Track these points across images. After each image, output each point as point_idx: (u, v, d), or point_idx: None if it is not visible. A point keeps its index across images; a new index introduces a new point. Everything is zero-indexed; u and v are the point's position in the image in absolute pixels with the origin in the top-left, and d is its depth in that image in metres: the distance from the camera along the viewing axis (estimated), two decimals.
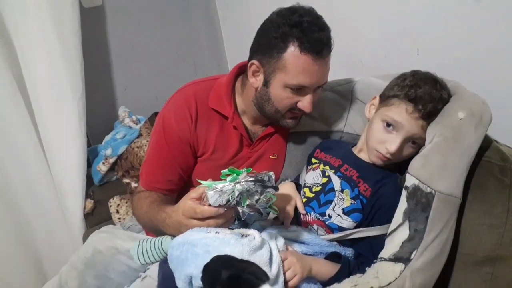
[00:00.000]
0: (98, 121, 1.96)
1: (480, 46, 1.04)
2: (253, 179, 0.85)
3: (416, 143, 0.94)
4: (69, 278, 1.30)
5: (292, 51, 0.98)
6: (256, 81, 1.08)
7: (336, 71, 1.22)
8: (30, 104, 1.67)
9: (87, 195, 1.77)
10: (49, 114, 1.66)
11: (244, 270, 0.79)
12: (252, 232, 0.89)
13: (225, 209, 0.88)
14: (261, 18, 1.09)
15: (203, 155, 1.19)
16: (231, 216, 0.92)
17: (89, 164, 1.82)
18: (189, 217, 0.92)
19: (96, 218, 1.78)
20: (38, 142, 1.70)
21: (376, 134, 0.97)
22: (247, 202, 0.87)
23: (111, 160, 1.78)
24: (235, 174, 0.87)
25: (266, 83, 1.06)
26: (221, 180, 0.88)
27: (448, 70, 1.04)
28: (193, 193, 0.92)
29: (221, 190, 0.85)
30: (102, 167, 1.78)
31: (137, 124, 1.93)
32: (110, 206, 1.75)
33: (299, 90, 1.03)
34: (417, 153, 0.92)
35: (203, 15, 2.23)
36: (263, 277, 0.79)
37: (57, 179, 1.73)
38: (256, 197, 0.87)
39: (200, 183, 0.90)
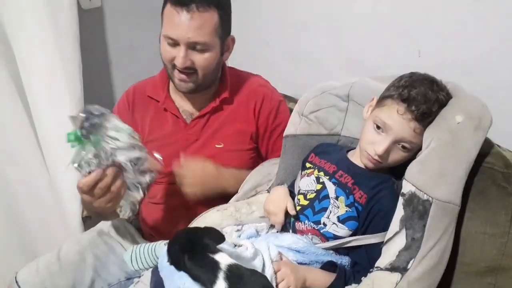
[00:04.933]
0: None
1: (482, 47, 1.01)
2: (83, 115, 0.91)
3: (406, 147, 0.91)
4: (70, 251, 1.27)
5: (166, 7, 1.10)
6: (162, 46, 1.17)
7: (335, 71, 1.20)
8: (28, 107, 1.66)
9: None
10: (47, 116, 1.64)
11: (202, 238, 0.81)
12: (245, 242, 0.87)
13: (103, 168, 0.92)
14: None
15: (142, 139, 1.20)
16: (115, 173, 0.94)
17: None
18: (81, 193, 0.96)
19: (94, 221, 1.76)
20: (36, 144, 1.69)
21: (367, 134, 0.95)
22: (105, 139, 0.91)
23: None
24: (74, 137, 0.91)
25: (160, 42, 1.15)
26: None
27: (450, 71, 1.01)
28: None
29: (82, 156, 0.91)
30: None
31: None
32: None
33: (174, 44, 1.10)
34: (413, 158, 0.89)
35: None
36: (221, 240, 0.81)
37: (55, 182, 1.72)
38: (104, 129, 0.92)
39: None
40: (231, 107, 1.26)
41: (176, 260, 0.82)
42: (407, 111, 0.87)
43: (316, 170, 1.04)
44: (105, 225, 1.38)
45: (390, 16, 1.23)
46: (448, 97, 0.90)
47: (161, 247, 0.98)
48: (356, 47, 1.37)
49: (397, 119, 0.88)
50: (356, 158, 1.01)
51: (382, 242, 0.89)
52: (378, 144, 0.91)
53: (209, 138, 1.24)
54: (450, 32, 1.08)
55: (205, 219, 1.12)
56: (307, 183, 1.04)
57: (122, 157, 0.94)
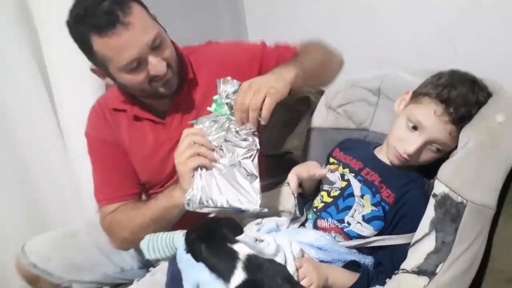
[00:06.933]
0: None
1: None
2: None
3: (438, 149, 0.87)
4: (83, 231, 1.29)
5: (97, 41, 0.94)
6: (109, 80, 1.06)
7: (365, 67, 1.16)
8: (51, 92, 1.66)
9: None
10: (68, 103, 1.63)
11: (220, 228, 0.81)
12: (267, 237, 0.84)
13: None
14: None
15: (124, 153, 1.15)
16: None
17: None
18: (193, 141, 0.94)
19: None
20: (58, 130, 1.70)
21: (398, 131, 0.91)
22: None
23: None
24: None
25: (113, 79, 1.02)
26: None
27: (488, 68, 0.95)
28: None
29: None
30: None
31: None
32: None
33: (138, 65, 0.96)
34: (444, 158, 0.85)
35: (227, 6, 2.17)
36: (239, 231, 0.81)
37: (74, 169, 1.72)
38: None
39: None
40: (201, 84, 1.14)
41: (193, 249, 0.81)
42: (445, 113, 0.83)
43: (341, 166, 1.00)
44: None
45: (424, 8, 1.18)
46: (488, 97, 0.86)
47: (179, 237, 0.95)
48: (387, 41, 1.32)
49: (434, 120, 0.84)
50: (383, 155, 0.97)
51: (409, 243, 0.86)
52: (409, 143, 0.88)
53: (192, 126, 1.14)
54: (489, 26, 1.02)
55: None
56: (331, 180, 1.00)
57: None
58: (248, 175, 0.92)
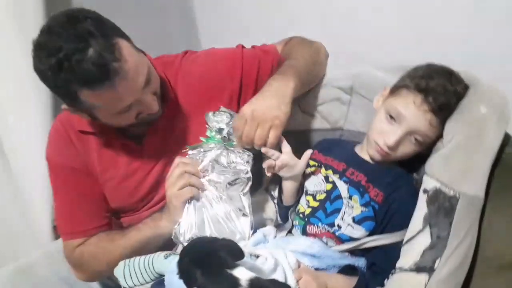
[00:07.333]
0: None
1: (489, 39, 0.99)
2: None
3: (418, 140, 0.87)
4: (39, 263, 1.17)
5: (85, 94, 0.81)
6: (84, 117, 0.94)
7: (332, 65, 1.14)
8: None
9: None
10: (11, 117, 1.48)
11: (217, 251, 0.73)
12: (263, 252, 0.80)
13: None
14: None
15: (98, 179, 1.05)
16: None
17: None
18: (184, 170, 0.90)
19: None
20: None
21: (378, 124, 0.90)
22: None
23: None
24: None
25: (94, 118, 0.91)
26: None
27: (455, 64, 0.97)
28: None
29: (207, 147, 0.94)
30: None
31: None
32: None
33: (129, 107, 0.87)
34: (424, 154, 0.85)
35: (180, 9, 2.10)
36: (239, 255, 0.72)
37: (22, 188, 1.56)
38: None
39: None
40: (181, 104, 1.05)
41: (186, 274, 0.73)
42: (424, 102, 0.83)
43: (323, 168, 0.98)
44: None
45: (390, 4, 1.19)
46: (466, 89, 0.87)
47: (159, 260, 0.88)
48: (354, 38, 1.32)
49: (413, 110, 0.84)
50: (364, 153, 0.96)
51: (401, 241, 0.85)
52: (390, 135, 0.87)
53: (170, 151, 1.03)
54: (455, 21, 1.05)
55: None
56: (314, 183, 0.97)
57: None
58: (239, 209, 0.91)
